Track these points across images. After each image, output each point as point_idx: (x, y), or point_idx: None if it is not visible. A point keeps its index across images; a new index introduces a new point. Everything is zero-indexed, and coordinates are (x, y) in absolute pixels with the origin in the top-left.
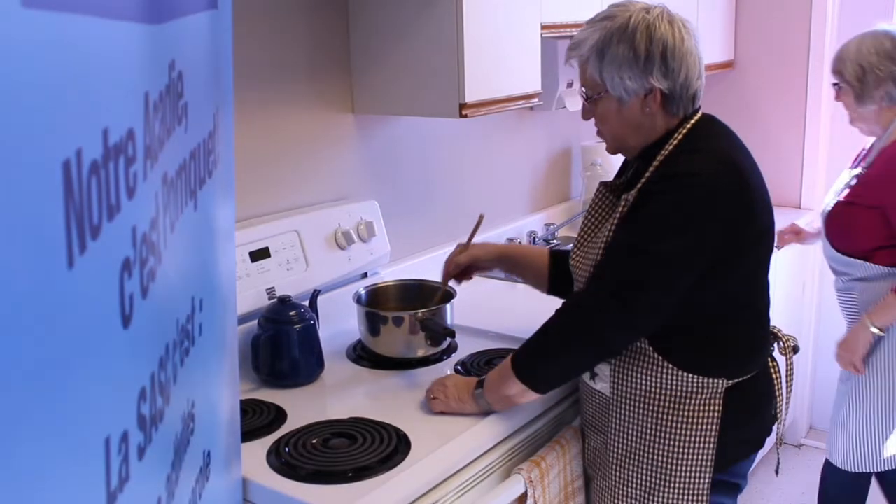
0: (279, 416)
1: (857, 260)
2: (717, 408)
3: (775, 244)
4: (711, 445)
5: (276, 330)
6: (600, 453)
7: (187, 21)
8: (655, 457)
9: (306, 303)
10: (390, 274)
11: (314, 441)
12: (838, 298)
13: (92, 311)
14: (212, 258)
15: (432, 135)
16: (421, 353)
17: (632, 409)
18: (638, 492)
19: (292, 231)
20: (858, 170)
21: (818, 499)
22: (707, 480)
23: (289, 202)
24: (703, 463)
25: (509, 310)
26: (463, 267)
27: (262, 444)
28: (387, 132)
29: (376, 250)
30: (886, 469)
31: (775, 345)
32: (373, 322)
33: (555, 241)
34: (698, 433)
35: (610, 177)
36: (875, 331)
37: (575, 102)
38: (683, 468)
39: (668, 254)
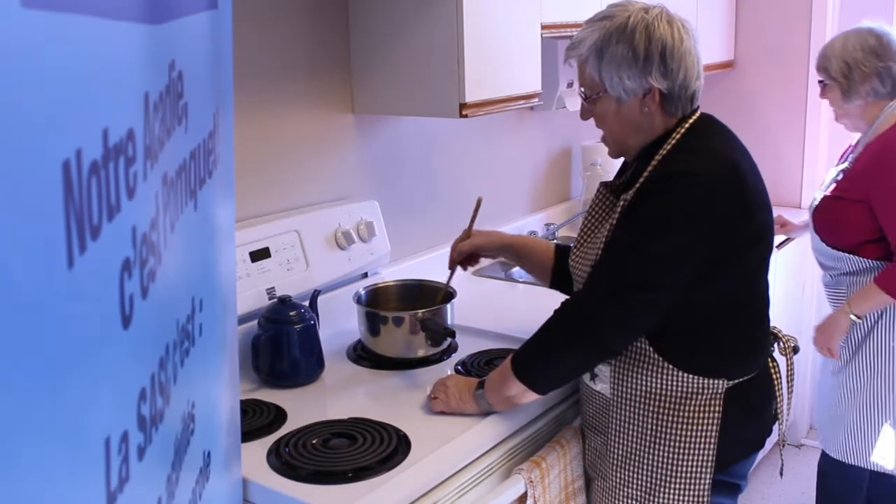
0: (279, 416)
1: (845, 254)
2: (717, 408)
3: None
4: (712, 446)
5: (277, 330)
6: (600, 454)
7: (187, 21)
8: (656, 458)
9: (306, 303)
10: (390, 274)
11: (314, 441)
12: (826, 293)
13: (92, 312)
14: (212, 258)
15: (432, 135)
16: (421, 353)
17: (632, 409)
18: (638, 493)
19: (292, 231)
20: (845, 165)
21: (817, 493)
22: (707, 481)
23: (289, 202)
24: (704, 464)
25: (509, 310)
26: (466, 254)
27: (263, 445)
28: (387, 132)
29: (376, 250)
30: (874, 469)
31: (775, 345)
32: (373, 322)
33: (555, 241)
34: (698, 434)
35: (610, 177)
36: (853, 317)
37: (575, 102)
38: (684, 469)
39: (666, 253)
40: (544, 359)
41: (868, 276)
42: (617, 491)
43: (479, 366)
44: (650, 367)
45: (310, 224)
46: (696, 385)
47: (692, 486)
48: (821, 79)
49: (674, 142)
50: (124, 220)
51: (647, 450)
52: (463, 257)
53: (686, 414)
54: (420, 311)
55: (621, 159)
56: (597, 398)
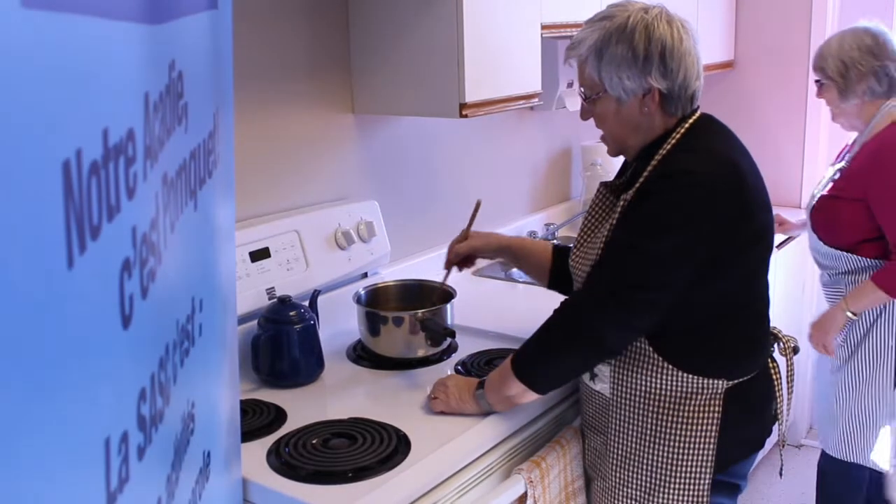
0: (279, 416)
1: (843, 253)
2: (716, 409)
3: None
4: (711, 446)
5: (276, 330)
6: (600, 454)
7: (187, 21)
8: (655, 458)
9: (306, 303)
10: (390, 274)
11: (314, 441)
12: (825, 293)
13: (92, 312)
14: (212, 258)
15: (432, 135)
16: (421, 353)
17: (631, 409)
18: (638, 493)
19: (292, 231)
20: (842, 164)
21: (817, 493)
22: (707, 481)
23: (289, 202)
24: (703, 464)
25: (509, 310)
26: (463, 256)
27: (262, 445)
28: (387, 132)
29: (376, 250)
30: (873, 468)
31: (776, 345)
32: (373, 322)
33: (555, 241)
34: (698, 434)
35: (610, 177)
36: (849, 314)
37: (575, 102)
38: (683, 469)
39: (665, 252)
40: (544, 359)
41: (866, 275)
42: (616, 491)
43: (479, 366)
44: (650, 367)
45: (310, 224)
46: (695, 385)
47: (692, 487)
48: (817, 78)
49: (674, 141)
50: (124, 220)
51: (646, 450)
52: (459, 258)
53: (686, 414)
54: (420, 311)
55: (621, 159)
56: (596, 398)
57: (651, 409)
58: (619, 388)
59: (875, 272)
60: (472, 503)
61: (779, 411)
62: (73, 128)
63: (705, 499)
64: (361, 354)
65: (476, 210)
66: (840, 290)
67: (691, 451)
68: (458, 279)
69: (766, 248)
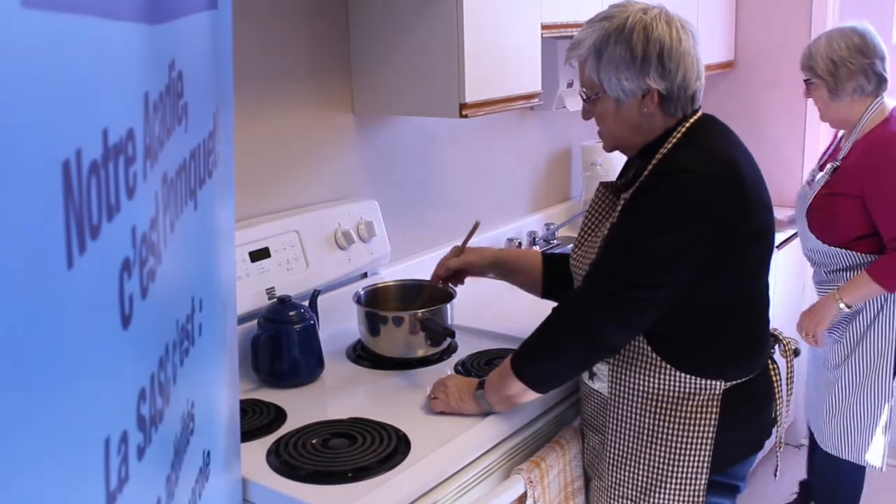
0: (279, 416)
1: (840, 249)
2: (714, 409)
3: None
4: (708, 447)
5: (276, 330)
6: (598, 453)
7: (187, 21)
8: (651, 458)
9: (306, 303)
10: (390, 274)
11: (314, 441)
12: (818, 290)
13: (91, 312)
14: (212, 258)
15: (432, 135)
16: (421, 353)
17: (629, 409)
18: (634, 492)
19: (292, 231)
20: (837, 163)
21: (816, 489)
22: (703, 482)
23: (289, 202)
24: (700, 464)
25: (509, 310)
26: (453, 271)
27: (262, 444)
28: (387, 132)
29: (376, 250)
30: (865, 465)
31: (776, 347)
32: (373, 322)
33: (555, 241)
34: (695, 435)
35: (610, 177)
36: (842, 305)
37: (575, 102)
38: (679, 469)
39: (663, 251)
40: (543, 358)
41: (861, 270)
42: (613, 490)
43: (478, 366)
44: (648, 366)
45: (309, 224)
46: (693, 385)
47: (687, 488)
48: (807, 77)
49: (674, 141)
50: (124, 219)
51: (643, 450)
52: (450, 273)
53: (683, 414)
54: (420, 311)
55: (622, 160)
56: (595, 397)
57: (648, 408)
58: (618, 387)
59: (870, 265)
60: (472, 503)
61: (778, 413)
62: (72, 127)
63: (701, 499)
64: (361, 354)
65: (473, 230)
66: (837, 286)
67: (688, 452)
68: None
69: (766, 249)
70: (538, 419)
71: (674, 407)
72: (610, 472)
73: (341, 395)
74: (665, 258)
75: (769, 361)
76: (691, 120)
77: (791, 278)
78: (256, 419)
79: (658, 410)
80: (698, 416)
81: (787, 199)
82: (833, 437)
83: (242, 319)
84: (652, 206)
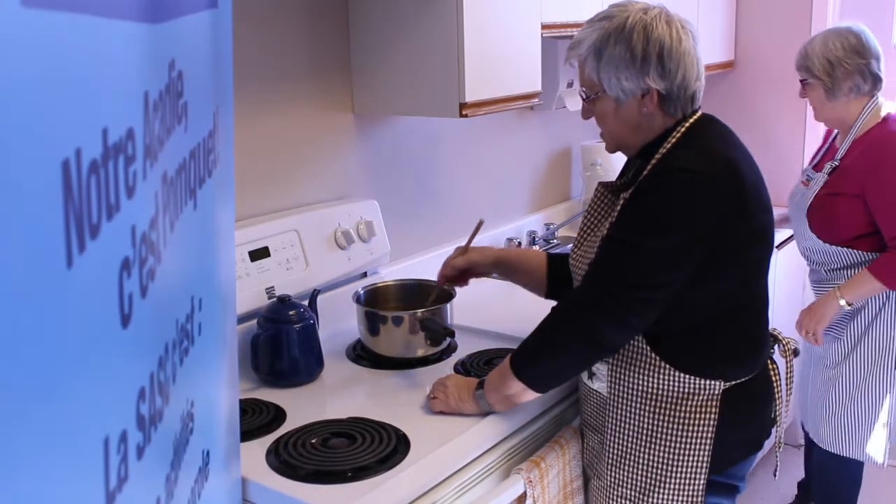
0: (278, 415)
1: (841, 248)
2: (713, 410)
3: None
4: (707, 447)
5: (276, 329)
6: (597, 453)
7: (187, 20)
8: (650, 458)
9: (306, 302)
10: (390, 274)
11: (313, 441)
12: (816, 289)
13: (91, 311)
14: (211, 257)
15: (432, 135)
16: (421, 352)
17: (628, 409)
18: (633, 492)
19: (292, 230)
20: (836, 163)
21: (816, 488)
22: (702, 482)
23: (289, 201)
24: (699, 465)
25: (509, 310)
26: (459, 270)
27: (262, 444)
28: (387, 132)
29: (376, 250)
30: (868, 461)
31: (776, 347)
32: (372, 322)
33: (555, 241)
34: (694, 435)
35: (610, 177)
36: (843, 303)
37: (575, 102)
38: (678, 470)
39: (662, 250)
40: (543, 357)
41: (863, 268)
42: (611, 490)
43: (478, 365)
44: (647, 366)
45: (309, 223)
46: (692, 386)
47: (686, 488)
48: (803, 78)
49: (674, 140)
50: (124, 219)
51: (641, 450)
52: (456, 273)
53: (682, 414)
54: (420, 311)
55: (622, 160)
56: (594, 397)
57: (647, 408)
58: (617, 387)
59: (872, 263)
60: (472, 503)
61: (777, 413)
62: (72, 127)
63: (700, 499)
64: (361, 354)
65: (477, 229)
66: (838, 284)
67: (687, 452)
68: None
69: (765, 248)
70: (538, 419)
71: (673, 407)
72: (609, 472)
73: (341, 394)
74: (664, 258)
75: (769, 361)
76: (691, 120)
77: (791, 278)
78: (256, 419)
79: (657, 410)
80: (698, 416)
81: (786, 199)
82: (834, 434)
83: (242, 319)
84: (651, 206)
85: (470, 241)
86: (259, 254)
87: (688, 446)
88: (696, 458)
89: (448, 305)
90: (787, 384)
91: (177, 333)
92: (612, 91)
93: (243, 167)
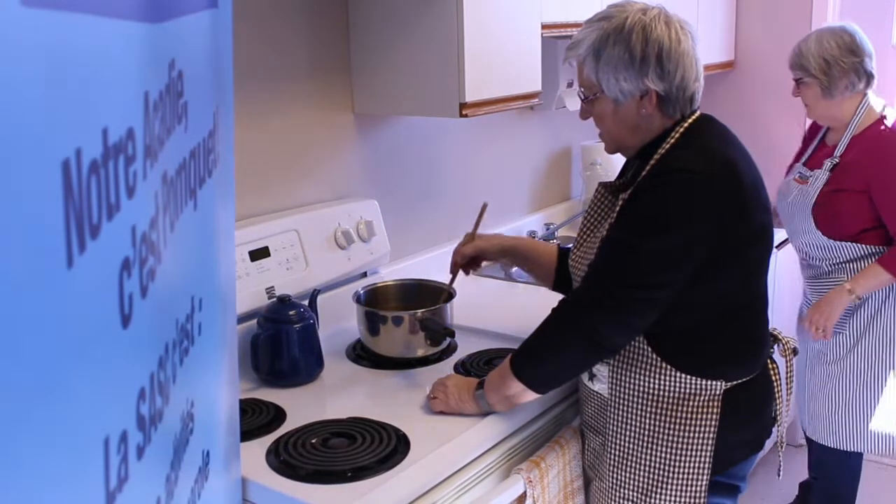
0: (278, 415)
1: (845, 243)
2: (715, 410)
3: None
4: (709, 448)
5: (276, 329)
6: (598, 455)
7: (187, 20)
8: (652, 459)
9: (306, 302)
10: (390, 273)
11: (313, 441)
12: (813, 286)
13: (91, 311)
14: (211, 257)
15: (432, 134)
16: (421, 352)
17: (629, 410)
18: (634, 494)
19: (292, 230)
20: (835, 160)
21: (816, 484)
22: (704, 483)
23: (289, 201)
24: (701, 465)
25: (509, 310)
26: (469, 258)
27: (262, 444)
28: (387, 132)
29: (376, 250)
30: (873, 451)
31: (776, 347)
32: (372, 322)
33: (555, 241)
34: (696, 435)
35: (610, 177)
36: (853, 297)
37: (575, 102)
38: (680, 471)
39: (661, 251)
40: (543, 358)
41: (868, 261)
42: (613, 492)
43: (478, 365)
44: (648, 367)
45: (309, 223)
46: (693, 386)
47: (688, 489)
48: (798, 77)
49: (672, 141)
50: (124, 219)
51: (643, 451)
52: (466, 260)
53: (683, 415)
54: (420, 311)
55: (622, 160)
56: (595, 398)
57: (649, 409)
58: (618, 388)
59: (882, 256)
60: (472, 503)
61: (778, 413)
62: (72, 127)
63: (702, 500)
64: (361, 354)
65: (482, 213)
66: (841, 279)
67: (688, 453)
68: (458, 280)
69: (765, 248)
70: (538, 419)
71: (674, 408)
72: (611, 474)
73: (341, 394)
74: (664, 258)
75: (769, 361)
76: (689, 120)
77: (791, 278)
78: (256, 419)
79: (658, 411)
80: (699, 416)
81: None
82: (835, 430)
83: (242, 319)
84: (650, 207)
85: (476, 226)
86: (259, 254)
87: (689, 447)
88: (697, 459)
89: (448, 305)
90: (787, 383)
91: (177, 333)
92: (611, 92)
93: (243, 167)
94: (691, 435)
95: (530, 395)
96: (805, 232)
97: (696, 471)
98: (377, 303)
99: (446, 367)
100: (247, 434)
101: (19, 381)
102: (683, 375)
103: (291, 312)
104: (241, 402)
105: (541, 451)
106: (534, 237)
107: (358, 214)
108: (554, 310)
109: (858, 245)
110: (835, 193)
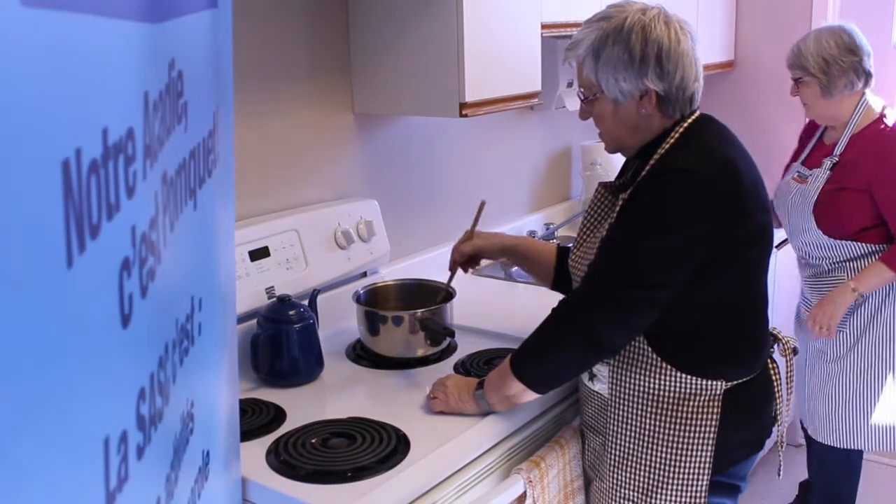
0: (278, 415)
1: (846, 242)
2: (715, 410)
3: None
4: (710, 448)
5: (276, 329)
6: (599, 455)
7: (187, 20)
8: (652, 459)
9: (306, 302)
10: (390, 273)
11: (313, 441)
12: (812, 284)
13: (91, 311)
14: (211, 257)
15: (432, 134)
16: (420, 352)
17: (630, 410)
18: (635, 494)
19: (292, 230)
20: (835, 158)
21: (817, 483)
22: (705, 483)
23: (288, 201)
24: (701, 465)
25: (509, 310)
26: (468, 256)
27: (262, 444)
28: (387, 132)
29: (376, 250)
30: (873, 448)
31: (776, 347)
32: (372, 322)
33: (554, 241)
34: (696, 435)
35: (610, 177)
36: (856, 295)
37: (575, 102)
38: (681, 471)
39: (661, 251)
40: (543, 358)
41: (869, 260)
42: (614, 492)
43: (478, 365)
44: (648, 367)
45: (309, 223)
46: (694, 386)
47: (689, 489)
48: (798, 76)
49: (672, 141)
50: (124, 219)
51: (643, 451)
52: (464, 259)
53: (684, 415)
54: (420, 311)
55: (622, 160)
56: (595, 398)
57: (649, 410)
58: (618, 388)
59: (885, 253)
60: (472, 503)
61: (778, 412)
62: (72, 127)
63: (702, 500)
64: (361, 354)
65: (480, 211)
66: (840, 277)
67: (689, 453)
68: (458, 278)
69: (765, 248)
70: (537, 419)
71: (674, 408)
72: (612, 474)
73: (341, 394)
74: (664, 258)
75: (769, 361)
76: (689, 120)
77: (790, 278)
78: (256, 419)
79: (659, 411)
80: (699, 416)
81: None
82: (836, 428)
83: (242, 319)
84: (650, 207)
85: (474, 223)
86: (259, 254)
87: (690, 447)
88: (698, 459)
89: (448, 305)
90: (787, 383)
91: (177, 333)
92: (611, 92)
93: (243, 167)
94: (692, 435)
95: (530, 395)
96: (805, 231)
97: (696, 471)
98: (377, 303)
99: (446, 367)
100: (247, 434)
101: (19, 380)
102: (684, 375)
103: (291, 312)
104: (241, 402)
105: (541, 451)
106: (534, 237)
107: (358, 214)
108: (554, 310)
109: (859, 244)
110: (837, 192)
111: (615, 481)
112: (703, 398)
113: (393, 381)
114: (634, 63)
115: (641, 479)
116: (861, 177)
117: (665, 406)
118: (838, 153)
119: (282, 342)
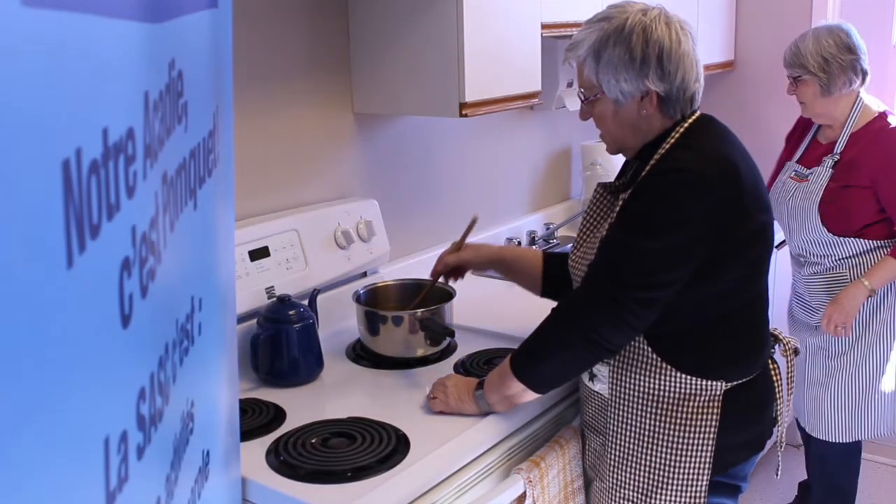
0: (278, 415)
1: (850, 238)
2: (715, 410)
3: None
4: (710, 448)
5: (276, 329)
6: (599, 455)
7: (187, 20)
8: (652, 459)
9: (305, 302)
10: (390, 273)
11: (313, 441)
12: (812, 282)
13: (91, 311)
14: (211, 257)
15: (432, 134)
16: (420, 352)
17: (630, 410)
18: (634, 494)
19: (292, 230)
20: (836, 156)
21: (817, 481)
22: (705, 483)
23: (288, 201)
24: (701, 466)
25: (509, 310)
26: (451, 267)
27: (262, 444)
28: (387, 132)
29: (376, 249)
30: (880, 435)
31: (776, 347)
32: (372, 321)
33: (554, 241)
34: (696, 436)
35: (610, 177)
36: (869, 291)
37: (575, 102)
38: (681, 471)
39: (661, 251)
40: (543, 358)
41: (871, 255)
42: (614, 492)
43: (478, 365)
44: (648, 367)
45: (309, 223)
46: (694, 387)
47: (689, 489)
48: (797, 74)
49: (672, 141)
50: (124, 219)
51: (644, 451)
52: (448, 269)
53: (684, 415)
54: (419, 311)
55: (622, 160)
56: (595, 399)
57: (649, 410)
58: (618, 388)
59: (893, 249)
60: (471, 503)
61: (778, 413)
62: (72, 127)
63: (703, 500)
64: (361, 354)
65: (471, 226)
66: (842, 274)
67: (689, 453)
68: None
69: (765, 248)
70: (537, 419)
71: (675, 408)
72: (612, 474)
73: (341, 394)
74: (663, 258)
75: (769, 361)
76: (689, 120)
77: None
78: (256, 419)
79: (659, 412)
80: (699, 417)
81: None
82: (837, 424)
83: (242, 319)
84: (650, 207)
85: (464, 237)
86: (259, 253)
87: (690, 447)
88: (698, 459)
89: (448, 305)
90: (787, 384)
91: (177, 333)
92: (611, 93)
93: (243, 167)
94: (692, 435)
95: (530, 395)
96: (807, 230)
97: (696, 471)
98: (377, 303)
99: (446, 367)
100: (247, 434)
101: (19, 380)
102: (684, 376)
103: (291, 312)
104: (241, 402)
105: (541, 451)
106: (533, 237)
107: (358, 214)
108: (553, 310)
109: (861, 240)
110: (842, 189)
111: (615, 481)
112: (703, 398)
113: (393, 381)
114: (635, 64)
115: (642, 479)
116: (864, 174)
117: (665, 406)
118: (839, 151)
119: (282, 342)
